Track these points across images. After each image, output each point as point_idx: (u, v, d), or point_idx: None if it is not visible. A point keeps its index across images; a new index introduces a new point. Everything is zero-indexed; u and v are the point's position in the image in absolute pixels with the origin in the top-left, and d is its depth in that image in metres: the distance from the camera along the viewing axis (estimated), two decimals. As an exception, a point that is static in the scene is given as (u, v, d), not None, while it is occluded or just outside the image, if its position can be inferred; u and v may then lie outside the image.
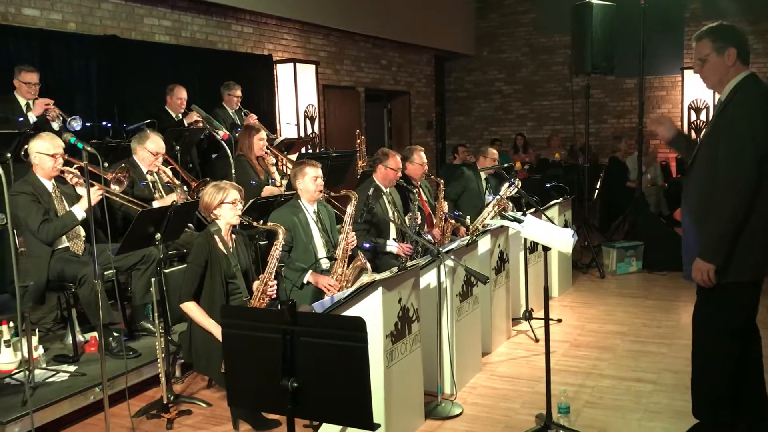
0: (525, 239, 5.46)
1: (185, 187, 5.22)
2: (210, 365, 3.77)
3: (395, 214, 5.35)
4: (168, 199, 4.91)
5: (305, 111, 8.79)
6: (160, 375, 3.94)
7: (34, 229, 4.21)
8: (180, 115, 6.43)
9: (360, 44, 10.71)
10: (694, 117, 10.81)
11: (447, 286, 4.11)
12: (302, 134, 8.57)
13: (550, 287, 3.76)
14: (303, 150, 7.44)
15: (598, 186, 9.16)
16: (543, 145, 12.22)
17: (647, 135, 8.89)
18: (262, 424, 3.76)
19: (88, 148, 3.42)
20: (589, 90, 7.96)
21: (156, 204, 4.88)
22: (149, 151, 4.95)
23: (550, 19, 12.33)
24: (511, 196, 6.16)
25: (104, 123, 5.98)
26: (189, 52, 7.66)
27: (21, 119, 5.17)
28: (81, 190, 4.51)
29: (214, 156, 6.65)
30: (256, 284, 3.88)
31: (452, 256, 4.03)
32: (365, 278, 3.57)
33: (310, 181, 4.52)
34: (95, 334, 4.52)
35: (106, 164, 4.24)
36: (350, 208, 4.57)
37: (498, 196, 6.12)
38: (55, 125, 5.20)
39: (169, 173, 5.20)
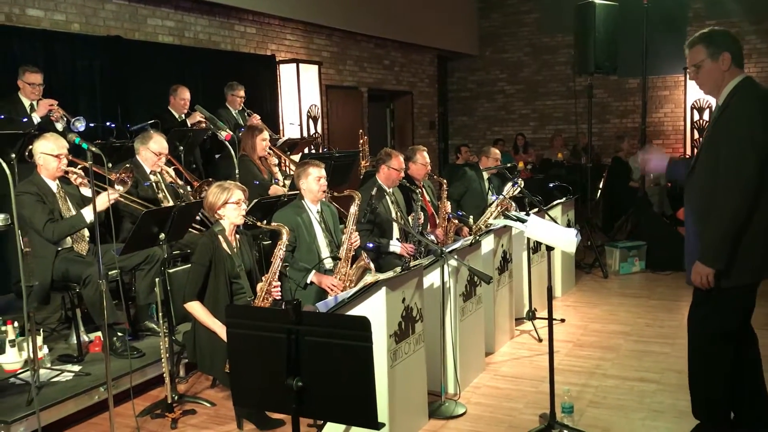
0: (528, 239, 5.46)
1: (189, 188, 5.23)
2: (214, 365, 3.78)
3: (398, 214, 5.36)
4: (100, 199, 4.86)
5: (308, 111, 8.80)
6: (164, 375, 3.94)
7: (39, 228, 4.22)
8: (183, 116, 6.45)
9: (363, 44, 10.72)
10: (696, 117, 10.80)
11: (450, 286, 4.11)
12: (305, 134, 8.58)
13: (553, 287, 3.76)
14: (306, 150, 7.46)
15: (601, 186, 9.16)
16: (546, 145, 12.21)
17: (650, 135, 8.88)
18: (266, 424, 3.76)
19: (93, 149, 3.43)
20: (592, 90, 7.96)
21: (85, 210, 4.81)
22: (152, 151, 4.95)
23: (553, 18, 12.33)
24: (514, 196, 6.16)
25: (108, 123, 5.99)
26: (192, 52, 7.67)
27: (25, 120, 5.18)
28: (85, 191, 4.53)
29: (217, 156, 6.67)
30: (260, 285, 3.89)
31: (455, 256, 4.04)
32: (369, 278, 3.58)
33: (314, 181, 4.53)
34: (99, 334, 4.54)
35: (110, 165, 4.25)
36: (353, 208, 4.58)
37: (501, 196, 6.13)
38: (59, 126, 5.22)
39: (172, 173, 5.21)
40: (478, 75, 13.60)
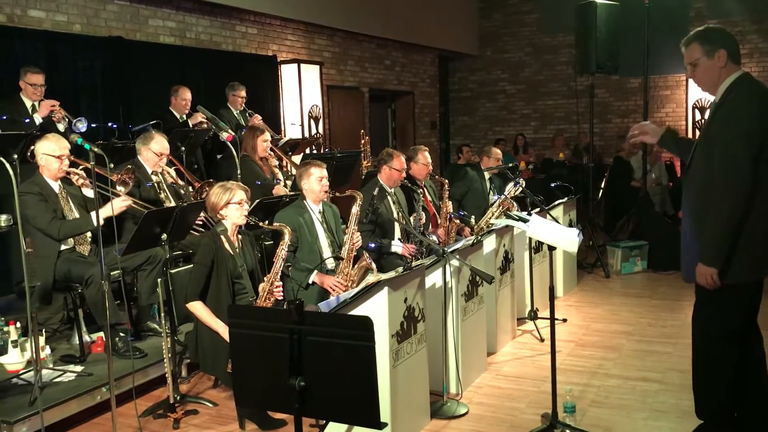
0: (530, 239, 5.46)
1: (190, 188, 5.23)
2: (216, 365, 3.78)
3: (400, 214, 5.36)
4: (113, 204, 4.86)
5: (309, 111, 8.80)
6: (166, 375, 3.95)
7: (44, 225, 4.23)
8: (184, 116, 6.45)
9: (364, 45, 10.72)
10: (698, 116, 10.79)
11: (452, 285, 4.11)
12: (306, 135, 8.58)
13: (555, 287, 3.76)
14: (307, 150, 7.46)
15: (602, 185, 9.16)
16: (547, 145, 12.21)
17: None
18: (269, 424, 3.77)
19: (95, 149, 3.43)
20: (594, 89, 7.96)
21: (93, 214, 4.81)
22: (153, 151, 4.96)
23: (554, 18, 12.32)
24: (516, 196, 6.16)
25: (109, 124, 6.00)
26: (194, 53, 7.68)
27: (27, 121, 5.19)
28: (87, 191, 4.54)
29: (219, 157, 6.67)
30: (262, 285, 3.89)
31: (457, 256, 4.04)
32: (371, 278, 3.58)
33: (316, 181, 4.53)
34: (102, 334, 4.54)
35: (111, 165, 4.25)
36: (355, 209, 4.58)
37: (503, 196, 6.12)
38: (61, 126, 5.22)
39: (174, 174, 5.22)
40: (479, 75, 13.60)
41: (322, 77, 9.26)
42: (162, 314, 3.89)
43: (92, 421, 3.96)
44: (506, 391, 4.29)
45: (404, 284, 3.60)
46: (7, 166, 3.36)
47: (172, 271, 4.01)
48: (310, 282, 4.40)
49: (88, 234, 4.51)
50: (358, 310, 3.33)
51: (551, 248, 3.68)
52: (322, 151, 8.19)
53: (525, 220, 3.77)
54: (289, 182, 5.91)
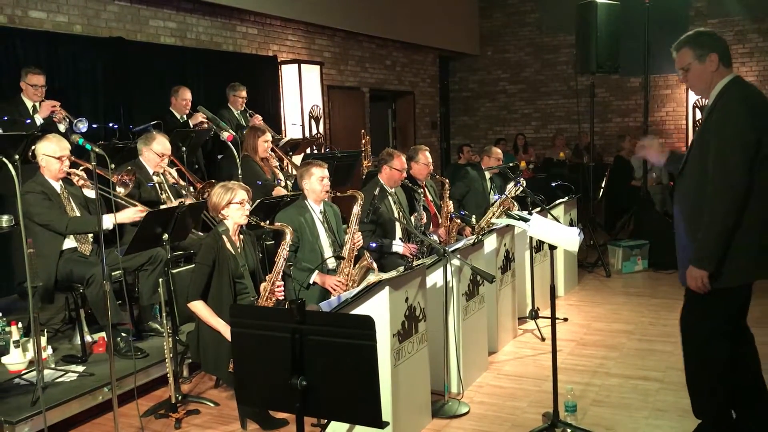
0: (531, 238, 5.47)
1: (191, 189, 5.24)
2: (218, 365, 3.78)
3: (401, 214, 5.36)
4: (177, 204, 4.93)
5: (310, 111, 8.81)
6: (168, 375, 3.95)
7: (50, 219, 4.23)
8: (185, 116, 6.46)
9: (364, 45, 10.73)
10: (699, 116, 10.79)
11: (453, 285, 4.12)
12: (307, 135, 8.59)
13: (555, 286, 3.77)
14: (308, 150, 7.46)
15: (603, 185, 9.16)
16: (548, 145, 12.20)
17: (651, 134, 8.87)
18: (270, 424, 3.77)
19: (97, 150, 3.44)
20: (594, 89, 7.96)
21: (109, 216, 4.84)
22: (155, 152, 4.96)
23: (554, 18, 12.33)
24: (517, 196, 6.16)
25: (110, 124, 6.00)
26: (194, 53, 7.68)
27: (28, 121, 5.20)
28: (88, 192, 4.54)
29: (219, 157, 6.68)
30: (263, 285, 3.90)
31: (458, 256, 4.04)
32: (372, 278, 3.59)
33: (317, 181, 4.54)
34: (103, 334, 4.54)
35: (112, 165, 4.27)
36: (356, 209, 4.59)
37: (503, 195, 6.13)
38: (62, 127, 5.23)
39: (175, 174, 5.22)
40: (479, 75, 13.60)
41: (323, 77, 9.26)
42: (163, 314, 3.90)
43: (94, 421, 3.97)
44: (507, 390, 4.30)
45: (405, 284, 3.61)
46: (10, 166, 3.37)
47: (174, 271, 4.02)
48: (311, 282, 4.41)
49: (90, 234, 4.52)
50: (360, 310, 3.34)
51: (552, 247, 3.68)
52: (322, 151, 8.20)
53: (526, 220, 3.77)
54: (289, 182, 5.91)
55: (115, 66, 6.75)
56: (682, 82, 3.24)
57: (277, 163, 6.14)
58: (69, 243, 4.42)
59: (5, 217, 4.84)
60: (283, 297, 3.91)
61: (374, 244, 5.00)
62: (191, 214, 4.26)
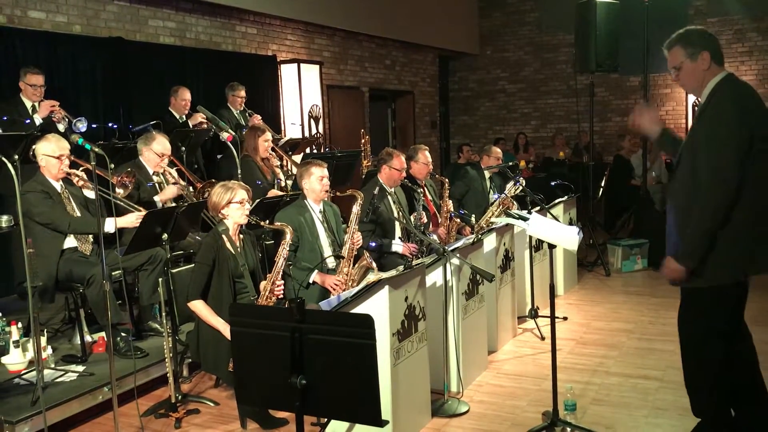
0: (530, 237, 5.47)
1: (190, 188, 5.24)
2: (218, 364, 3.78)
3: (400, 213, 5.36)
4: (168, 191, 4.95)
5: (309, 111, 8.81)
6: (167, 374, 3.96)
7: (52, 218, 4.24)
8: (184, 116, 6.46)
9: (364, 44, 10.73)
10: (698, 114, 10.77)
11: (453, 284, 4.12)
12: (307, 134, 8.59)
13: (555, 285, 3.77)
14: (307, 150, 7.46)
15: (602, 184, 9.16)
16: (548, 144, 12.20)
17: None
18: (270, 423, 3.78)
19: (96, 149, 3.44)
20: (593, 88, 7.96)
21: (157, 198, 4.91)
22: (155, 152, 4.97)
23: (554, 17, 12.33)
24: (516, 195, 6.17)
25: (110, 124, 6.00)
26: (193, 53, 7.68)
27: (27, 121, 5.20)
28: (88, 192, 4.55)
29: (219, 157, 6.68)
30: (263, 284, 3.90)
31: (458, 255, 4.05)
32: (371, 277, 3.59)
33: (316, 180, 4.54)
34: (103, 334, 4.55)
35: (112, 165, 4.27)
36: (355, 208, 4.59)
37: (503, 195, 6.13)
38: (61, 127, 5.23)
39: (175, 174, 5.22)
40: (479, 74, 13.60)
41: (322, 77, 9.26)
42: (163, 314, 3.90)
43: (94, 420, 3.97)
44: (507, 389, 4.30)
45: (405, 283, 3.61)
46: (9, 166, 3.37)
47: (173, 270, 4.02)
48: (311, 281, 4.41)
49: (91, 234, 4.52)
50: (359, 309, 3.34)
51: (551, 246, 3.68)
52: (322, 151, 8.20)
53: (525, 219, 3.77)
54: (290, 182, 5.91)
55: (115, 66, 6.75)
56: (674, 81, 3.24)
57: (278, 163, 6.14)
58: (69, 243, 4.43)
59: (5, 217, 4.84)
60: (282, 296, 3.91)
61: (374, 244, 5.01)
62: (191, 213, 4.26)
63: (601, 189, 9.14)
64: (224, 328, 3.66)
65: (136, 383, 3.79)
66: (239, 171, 5.47)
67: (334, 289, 4.30)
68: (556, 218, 4.77)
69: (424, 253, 5.13)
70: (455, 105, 13.92)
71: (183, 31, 7.59)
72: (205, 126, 6.22)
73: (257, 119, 6.89)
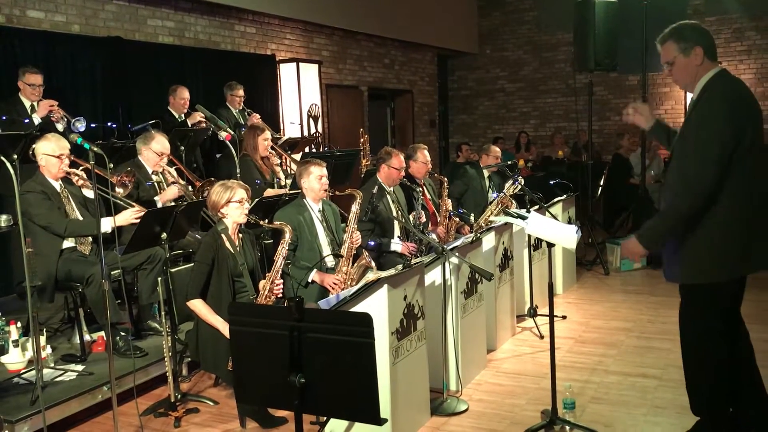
0: (529, 236, 5.48)
1: (189, 187, 5.24)
2: (217, 363, 3.79)
3: (399, 212, 5.37)
4: (169, 192, 4.95)
5: (308, 110, 8.80)
6: (167, 374, 3.96)
7: (49, 221, 4.24)
8: (183, 116, 6.46)
9: (362, 43, 10.73)
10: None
11: (452, 283, 4.12)
12: (306, 134, 8.59)
13: (554, 284, 3.77)
14: (306, 149, 7.46)
15: (601, 183, 9.16)
16: (547, 143, 12.21)
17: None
18: (269, 422, 3.78)
19: (95, 149, 3.44)
20: (592, 87, 7.97)
21: (158, 199, 4.92)
22: (154, 151, 4.97)
23: (553, 16, 12.33)
24: (515, 194, 6.17)
25: (109, 124, 6.00)
26: (192, 52, 7.68)
27: (26, 121, 5.20)
28: (88, 192, 4.55)
29: (218, 156, 6.68)
30: (262, 283, 3.91)
31: (457, 254, 4.05)
32: (370, 276, 3.59)
33: (315, 180, 4.55)
34: (102, 333, 4.55)
35: (111, 165, 4.27)
36: (355, 207, 4.59)
37: (501, 194, 6.14)
38: (60, 126, 5.23)
39: (174, 173, 5.23)
40: (478, 73, 13.60)
41: (321, 76, 9.26)
42: (162, 313, 3.90)
43: (93, 420, 3.97)
44: (506, 387, 4.30)
45: (404, 282, 3.61)
46: (9, 166, 3.37)
47: (173, 270, 4.02)
48: (310, 280, 4.41)
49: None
50: (358, 308, 3.34)
51: (550, 245, 3.69)
52: (321, 150, 8.20)
53: (524, 218, 3.77)
54: (289, 181, 5.91)
55: (114, 65, 6.75)
56: (667, 76, 3.24)
57: (279, 161, 6.14)
58: (68, 242, 4.43)
59: (4, 217, 4.84)
60: (281, 295, 3.92)
61: (373, 243, 5.01)
62: (190, 212, 4.26)
63: (600, 188, 9.14)
64: (223, 327, 3.67)
65: (136, 382, 3.78)
66: (238, 170, 5.48)
67: (333, 288, 4.30)
68: (554, 217, 4.78)
69: (423, 252, 5.13)
70: (454, 104, 13.92)
71: (182, 30, 7.59)
72: (204, 125, 6.23)
73: (256, 118, 6.90)
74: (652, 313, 5.68)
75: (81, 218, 4.45)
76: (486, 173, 6.72)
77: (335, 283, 4.33)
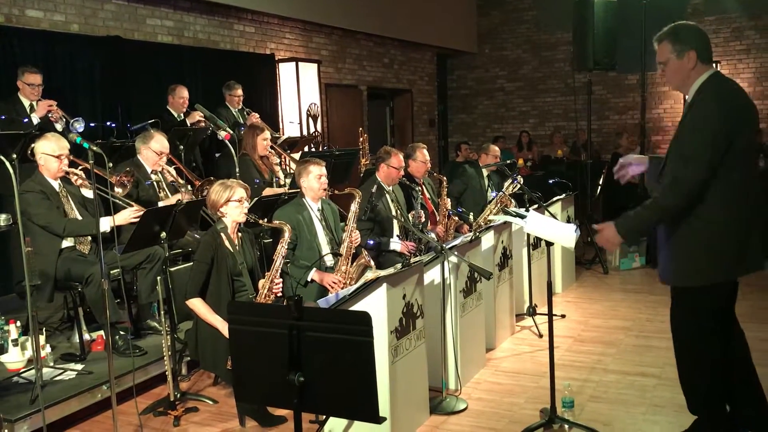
0: (528, 235, 5.48)
1: (189, 187, 5.25)
2: (216, 362, 3.79)
3: (398, 211, 5.37)
4: (173, 199, 4.95)
5: (308, 110, 8.81)
6: (166, 373, 3.96)
7: (48, 221, 4.24)
8: (182, 115, 6.46)
9: (362, 43, 10.73)
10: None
11: (451, 282, 4.13)
12: (305, 133, 8.59)
13: (553, 283, 3.78)
14: (306, 148, 7.47)
15: (600, 182, 9.16)
16: (546, 142, 12.21)
17: (649, 131, 8.88)
18: (269, 421, 3.79)
19: (94, 148, 3.44)
20: (591, 86, 7.97)
21: (161, 204, 4.92)
22: (153, 150, 4.97)
23: (552, 15, 12.33)
24: (514, 193, 6.18)
25: (108, 123, 6.00)
26: (191, 51, 7.68)
27: (25, 120, 5.20)
28: (87, 192, 4.55)
29: (217, 155, 6.68)
30: (261, 282, 3.91)
31: (456, 253, 4.05)
32: (369, 275, 3.59)
33: (314, 179, 4.55)
34: (102, 332, 4.56)
35: (110, 164, 4.27)
36: (354, 206, 4.60)
37: (500, 193, 6.14)
38: (59, 126, 5.24)
39: (173, 173, 5.23)
40: (477, 72, 13.61)
41: (320, 75, 9.26)
42: (162, 312, 3.91)
43: (93, 419, 3.98)
44: (505, 386, 4.31)
45: (403, 281, 3.62)
46: (8, 165, 3.37)
47: (172, 269, 4.02)
48: (309, 279, 4.42)
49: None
50: (357, 307, 3.35)
51: (549, 244, 3.69)
52: (320, 149, 8.20)
53: (523, 217, 3.78)
54: (288, 180, 5.92)
55: (113, 65, 6.75)
56: (660, 75, 3.26)
57: (278, 160, 6.14)
58: (67, 241, 4.43)
59: (3, 216, 4.83)
60: (281, 294, 3.92)
61: (372, 242, 5.01)
62: (189, 211, 4.27)
63: (599, 187, 9.15)
64: (222, 326, 3.67)
65: (135, 381, 3.79)
66: (237, 169, 5.48)
67: (332, 287, 4.31)
68: (553, 216, 4.79)
69: (422, 251, 5.13)
70: (453, 103, 13.92)
71: (181, 29, 7.59)
72: (203, 124, 6.23)
73: (255, 118, 6.90)
74: (650, 312, 5.68)
75: (80, 218, 4.46)
76: (485, 172, 6.73)
77: (334, 282, 4.33)
